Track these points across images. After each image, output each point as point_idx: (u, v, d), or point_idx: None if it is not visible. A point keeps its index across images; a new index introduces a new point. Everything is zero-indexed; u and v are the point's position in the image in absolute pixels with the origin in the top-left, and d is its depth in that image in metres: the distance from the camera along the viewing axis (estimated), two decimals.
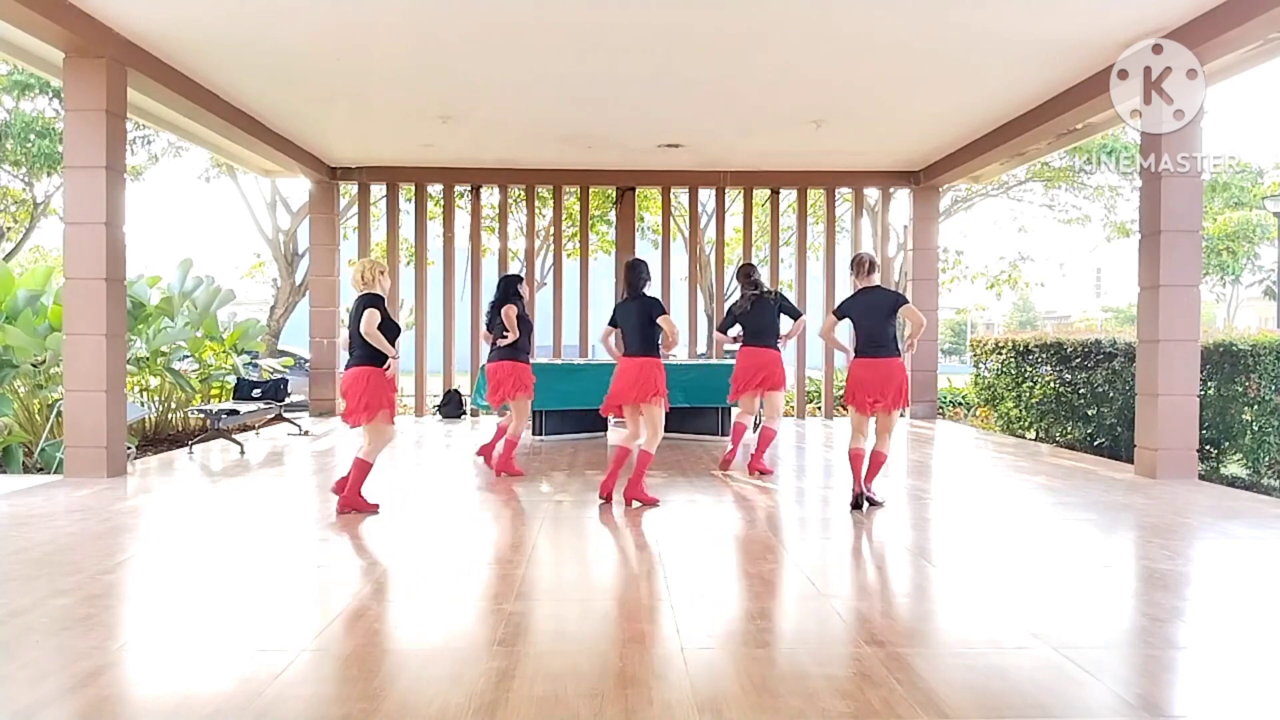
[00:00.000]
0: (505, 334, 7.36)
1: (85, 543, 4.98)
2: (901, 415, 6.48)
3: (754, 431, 11.17)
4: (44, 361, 8.59)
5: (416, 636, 3.55)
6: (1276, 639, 3.60)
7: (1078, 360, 9.85)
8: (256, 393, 10.29)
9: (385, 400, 5.72)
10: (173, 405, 10.80)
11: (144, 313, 9.63)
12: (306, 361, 13.77)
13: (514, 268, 16.11)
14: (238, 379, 10.69)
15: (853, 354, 6.07)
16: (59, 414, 8.02)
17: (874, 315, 5.96)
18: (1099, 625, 3.72)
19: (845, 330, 6.48)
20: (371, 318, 5.61)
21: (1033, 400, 10.78)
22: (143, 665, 3.23)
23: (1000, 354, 11.75)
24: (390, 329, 5.77)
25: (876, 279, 6.09)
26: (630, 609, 3.90)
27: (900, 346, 6.04)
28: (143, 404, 10.10)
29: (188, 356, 11.34)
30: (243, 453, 8.87)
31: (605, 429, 10.36)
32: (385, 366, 5.74)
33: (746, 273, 7.76)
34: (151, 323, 9.89)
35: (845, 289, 13.79)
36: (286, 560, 4.70)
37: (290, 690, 2.95)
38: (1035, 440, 10.73)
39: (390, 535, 5.32)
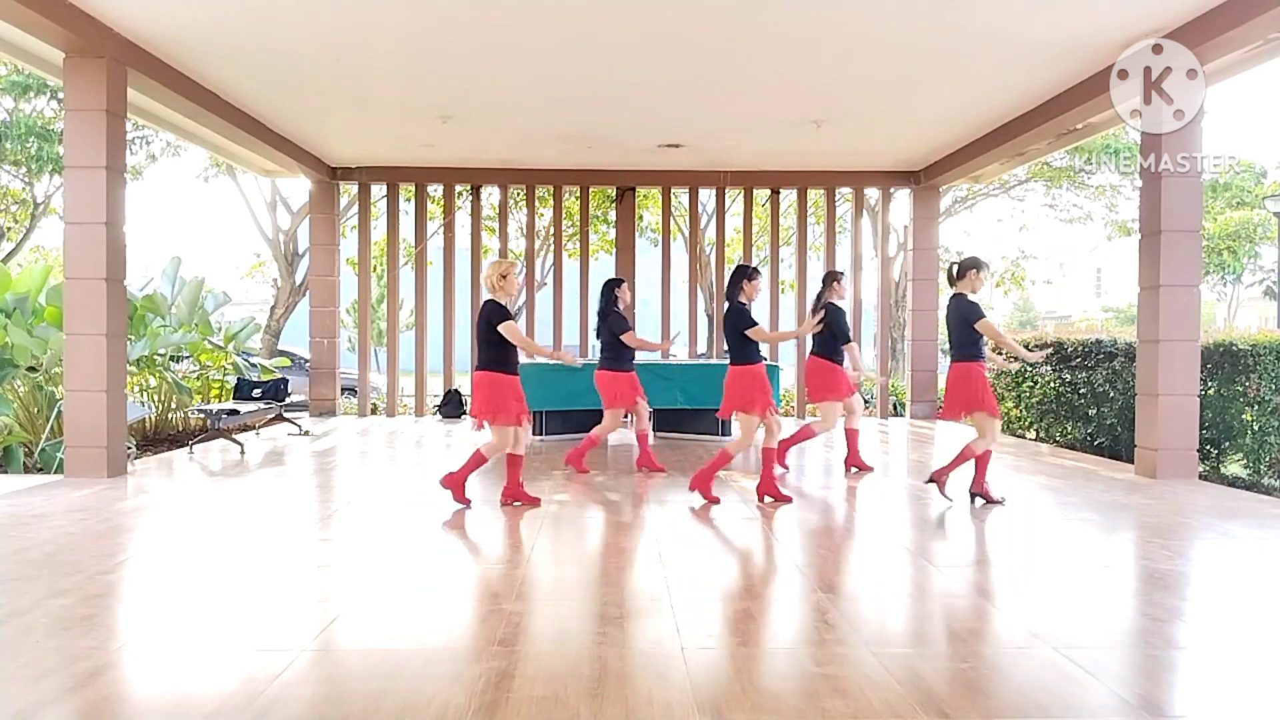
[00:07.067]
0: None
1: (85, 543, 4.98)
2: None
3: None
4: (40, 365, 8.57)
5: (417, 636, 3.55)
6: (1276, 639, 3.60)
7: (1078, 360, 9.85)
8: (256, 393, 10.29)
9: (508, 405, 5.94)
10: (173, 405, 10.80)
11: (134, 312, 9.61)
12: (306, 361, 13.76)
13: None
14: (238, 379, 10.70)
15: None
16: (59, 414, 8.01)
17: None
18: (1099, 625, 3.72)
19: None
20: (513, 328, 5.85)
21: (1033, 400, 10.78)
22: (143, 665, 3.23)
23: (1000, 353, 11.72)
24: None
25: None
26: (630, 609, 3.90)
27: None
28: (143, 404, 10.09)
29: (187, 357, 11.33)
30: (243, 453, 8.87)
31: None
32: (517, 371, 6.04)
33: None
34: (138, 322, 9.85)
35: (845, 289, 13.66)
36: (286, 560, 4.70)
37: (290, 690, 2.95)
38: (1035, 440, 10.73)
39: (390, 535, 5.32)
